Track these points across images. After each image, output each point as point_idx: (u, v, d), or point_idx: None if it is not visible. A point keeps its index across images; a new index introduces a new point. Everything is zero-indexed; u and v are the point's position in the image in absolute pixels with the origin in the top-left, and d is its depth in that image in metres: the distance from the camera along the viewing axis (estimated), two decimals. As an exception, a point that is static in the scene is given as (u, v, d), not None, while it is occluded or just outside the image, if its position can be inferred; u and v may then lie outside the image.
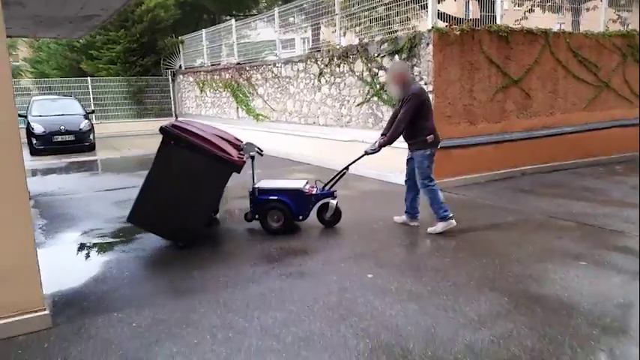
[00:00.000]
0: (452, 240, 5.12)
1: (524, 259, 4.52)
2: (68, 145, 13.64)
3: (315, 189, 5.65)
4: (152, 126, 18.57)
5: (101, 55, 18.79)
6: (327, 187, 5.64)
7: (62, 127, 13.65)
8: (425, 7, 7.95)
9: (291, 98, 11.24)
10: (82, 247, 5.37)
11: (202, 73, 16.25)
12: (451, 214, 5.27)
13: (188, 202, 4.90)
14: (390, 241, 5.13)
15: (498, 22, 8.39)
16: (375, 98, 8.54)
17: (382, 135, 5.35)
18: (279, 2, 20.44)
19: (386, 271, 4.32)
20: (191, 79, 17.41)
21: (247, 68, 13.22)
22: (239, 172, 4.96)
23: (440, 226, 5.26)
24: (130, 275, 4.41)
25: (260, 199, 5.46)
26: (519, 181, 7.95)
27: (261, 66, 12.52)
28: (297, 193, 5.44)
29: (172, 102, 19.27)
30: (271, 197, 5.42)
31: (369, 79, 8.66)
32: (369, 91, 8.69)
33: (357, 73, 8.93)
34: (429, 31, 7.43)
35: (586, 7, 14.90)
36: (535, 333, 3.16)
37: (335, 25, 10.10)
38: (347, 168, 5.64)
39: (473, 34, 7.71)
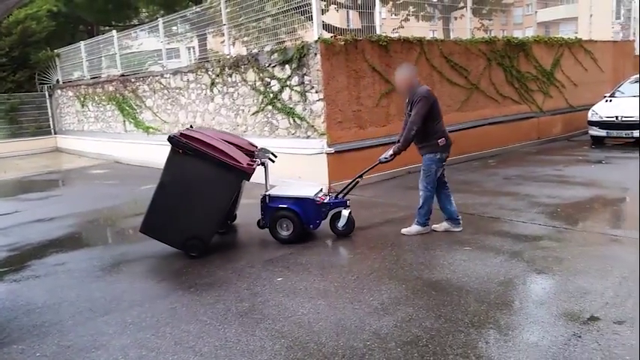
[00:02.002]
0: (352, 237, 5.43)
1: (417, 249, 4.94)
2: None
3: (328, 197, 5.48)
4: (29, 146, 17.28)
5: (-34, 72, 16.99)
6: (340, 196, 5.47)
7: None
8: (310, 18, 8.28)
9: (183, 109, 11.05)
10: (-38, 281, 4.92)
11: (83, 86, 15.35)
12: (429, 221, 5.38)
13: (198, 211, 4.87)
14: (295, 245, 5.31)
15: (378, 31, 8.97)
16: (270, 107, 8.72)
17: (398, 142, 5.27)
18: (161, 12, 19.91)
19: (294, 272, 4.50)
20: (71, 93, 16.35)
21: (132, 80, 12.75)
22: (248, 180, 4.92)
23: (414, 229, 5.34)
24: (26, 304, 4.15)
25: (270, 207, 5.31)
26: (407, 179, 8.54)
27: (148, 77, 12.16)
28: (307, 201, 5.27)
29: (51, 119, 17.93)
30: (281, 205, 5.26)
31: (262, 89, 8.81)
32: (262, 100, 8.84)
33: (249, 83, 9.05)
34: (316, 41, 7.77)
35: (454, 15, 16.35)
36: (432, 314, 3.51)
37: (223, 35, 10.12)
38: (361, 176, 5.48)
39: (356, 43, 8.19)
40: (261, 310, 3.75)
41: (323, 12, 9.97)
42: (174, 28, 12.65)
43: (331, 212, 5.42)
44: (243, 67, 9.13)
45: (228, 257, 5.06)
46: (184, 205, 4.87)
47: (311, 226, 5.30)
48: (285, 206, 5.24)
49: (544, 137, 11.92)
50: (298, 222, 5.21)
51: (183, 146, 4.75)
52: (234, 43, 10.37)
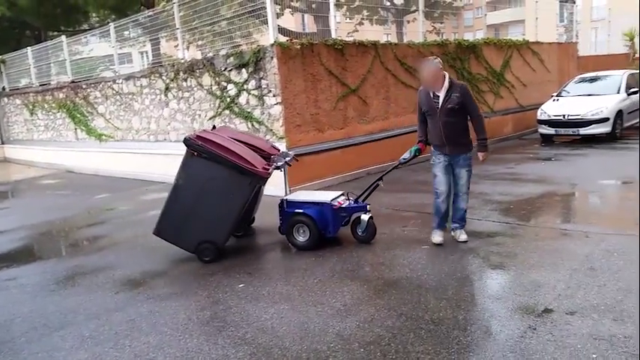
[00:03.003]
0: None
1: (377, 249, 5.01)
2: None
3: (349, 202, 5.22)
4: (-27, 157, 16.40)
5: None
6: (360, 200, 5.22)
7: None
8: (265, 22, 8.27)
9: (136, 115, 10.80)
10: None
11: (32, 94, 14.75)
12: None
13: (211, 215, 4.78)
14: (254, 250, 5.28)
15: (333, 35, 9.05)
16: (227, 111, 8.64)
17: (419, 142, 4.99)
18: (112, 16, 19.39)
19: (256, 278, 4.48)
20: (18, 101, 15.69)
21: (84, 86, 12.36)
22: (263, 184, 4.83)
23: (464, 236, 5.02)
24: (-27, 324, 3.95)
25: (286, 212, 5.16)
26: (365, 180, 8.59)
27: (100, 83, 11.81)
28: (323, 206, 5.07)
29: (-3, 128, 17.15)
30: (297, 210, 5.09)
31: (218, 93, 8.72)
32: (219, 104, 8.75)
33: (205, 87, 8.94)
34: (272, 45, 7.76)
35: (407, 19, 16.65)
36: (394, 313, 3.57)
37: (176, 39, 9.97)
38: (381, 179, 5.24)
39: (312, 47, 8.23)
40: (224, 318, 3.72)
41: (278, 16, 9.96)
42: (126, 32, 12.36)
43: (352, 217, 5.23)
44: (198, 71, 9.01)
45: (189, 266, 4.97)
46: (197, 208, 4.82)
47: (329, 232, 5.09)
48: (300, 211, 5.08)
49: (496, 137, 12.27)
50: (314, 227, 5.01)
51: (198, 149, 4.68)
52: (188, 47, 10.22)
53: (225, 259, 5.05)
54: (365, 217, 5.07)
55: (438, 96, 4.71)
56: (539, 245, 4.80)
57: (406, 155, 4.99)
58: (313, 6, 9.94)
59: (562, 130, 11.11)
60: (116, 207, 8.10)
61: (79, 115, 12.68)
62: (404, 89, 9.92)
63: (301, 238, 5.11)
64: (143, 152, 10.64)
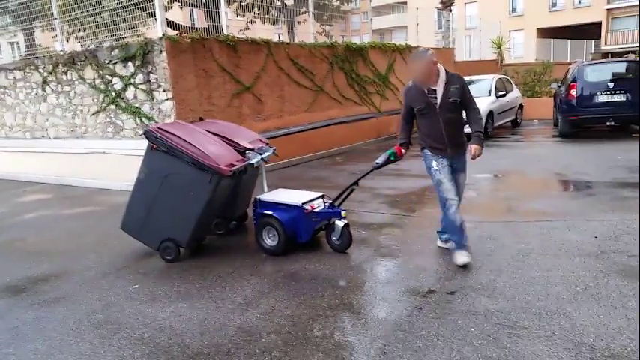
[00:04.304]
0: (213, 239, 5.39)
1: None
2: None
3: (323, 206, 4.77)
4: None
5: None
6: (335, 205, 4.74)
7: None
8: (152, 14, 8.00)
9: (10, 110, 9.87)
10: None
11: None
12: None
13: (173, 213, 4.54)
14: (151, 250, 5.11)
15: (225, 31, 8.99)
16: (113, 106, 8.22)
17: (401, 144, 4.43)
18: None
19: (151, 278, 4.36)
20: None
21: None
22: (226, 182, 4.46)
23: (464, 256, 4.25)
24: None
25: (257, 213, 4.80)
26: (281, 173, 8.67)
27: (-37, 75, 10.59)
28: (293, 209, 4.64)
29: None
30: (266, 212, 4.70)
31: (102, 87, 8.26)
32: (104, 99, 8.30)
33: (88, 81, 8.42)
34: (161, 38, 7.53)
35: (298, 20, 16.94)
36: (293, 303, 3.69)
37: (53, 30, 9.27)
38: (356, 183, 4.75)
39: (204, 42, 8.11)
40: (118, 320, 3.58)
41: (167, 9, 9.68)
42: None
43: (324, 223, 4.80)
44: (80, 63, 8.47)
45: (77, 269, 4.70)
46: (159, 204, 4.55)
47: (300, 237, 4.70)
48: (269, 213, 4.68)
49: (383, 136, 12.99)
50: (282, 232, 4.62)
51: (157, 141, 4.39)
52: (68, 39, 9.54)
53: (119, 259, 4.85)
54: (340, 223, 4.61)
55: (435, 90, 4.09)
56: (423, 233, 5.22)
57: (380, 159, 4.45)
58: (203, 1, 9.74)
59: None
60: (-14, 210, 7.36)
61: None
62: (297, 88, 10.14)
63: (270, 241, 4.75)
64: (18, 150, 9.75)
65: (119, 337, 3.33)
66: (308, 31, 11.76)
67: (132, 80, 7.92)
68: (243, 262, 4.63)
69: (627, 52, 23.64)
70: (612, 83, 10.71)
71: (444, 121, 4.13)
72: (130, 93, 7.99)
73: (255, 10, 17.00)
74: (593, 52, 30.62)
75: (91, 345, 3.24)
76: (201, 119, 5.71)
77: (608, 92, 10.69)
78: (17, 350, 3.21)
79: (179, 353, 3.09)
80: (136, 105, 7.95)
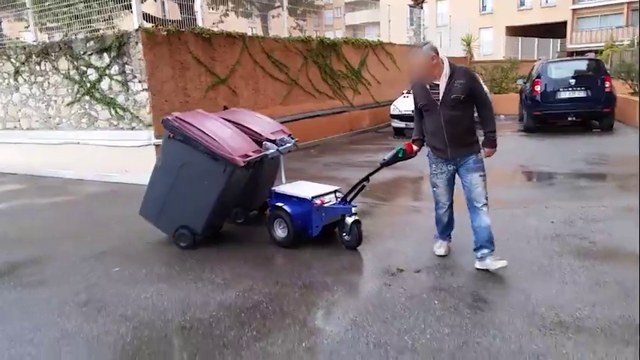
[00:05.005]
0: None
1: (257, 229, 5.24)
2: None
3: (334, 201, 4.65)
4: None
5: None
6: (347, 201, 4.59)
7: None
8: (127, 7, 8.03)
9: (-21, 101, 9.73)
10: None
11: None
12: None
13: (188, 201, 4.61)
14: (128, 236, 5.24)
15: (200, 24, 9.08)
16: (87, 97, 8.23)
17: (413, 141, 4.19)
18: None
19: (132, 262, 4.50)
20: None
21: None
22: (241, 173, 4.49)
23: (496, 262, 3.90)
24: None
25: (270, 204, 4.84)
26: None
27: None
28: (302, 202, 4.58)
29: None
30: (277, 204, 4.71)
31: (77, 78, 8.26)
32: (78, 90, 8.30)
33: (62, 72, 8.40)
34: (137, 30, 7.59)
35: (272, 14, 17.04)
36: (271, 282, 3.90)
37: (22, 20, 9.19)
38: (367, 179, 4.55)
39: (179, 35, 8.19)
40: (102, 299, 3.73)
41: (142, 0, 9.68)
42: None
43: (336, 219, 4.67)
44: (54, 54, 8.44)
45: (59, 253, 4.80)
46: (175, 192, 4.64)
47: (310, 231, 4.60)
48: (280, 205, 4.69)
49: (356, 129, 13.27)
50: (291, 224, 4.60)
51: (174, 130, 4.49)
52: (40, 30, 9.47)
53: (96, 246, 4.97)
54: (349, 219, 4.52)
55: (438, 85, 3.81)
56: (393, 220, 5.50)
57: (387, 155, 4.21)
58: (177, -7, 9.81)
59: (412, 124, 12.27)
60: (-43, 201, 7.32)
61: None
62: (272, 82, 10.30)
63: (280, 233, 4.72)
64: (-13, 141, 9.65)
65: (104, 314, 3.49)
66: (282, 26, 11.91)
67: (107, 71, 7.94)
68: (223, 245, 4.81)
69: (589, 51, 24.56)
70: (574, 80, 11.22)
71: (446, 119, 3.81)
72: (104, 84, 8.02)
73: (230, 3, 17.03)
74: (559, 50, 31.59)
75: (76, 322, 3.38)
76: (225, 108, 5.73)
77: (570, 89, 11.20)
78: (4, 327, 3.33)
79: (162, 328, 3.27)
80: (111, 96, 7.99)
